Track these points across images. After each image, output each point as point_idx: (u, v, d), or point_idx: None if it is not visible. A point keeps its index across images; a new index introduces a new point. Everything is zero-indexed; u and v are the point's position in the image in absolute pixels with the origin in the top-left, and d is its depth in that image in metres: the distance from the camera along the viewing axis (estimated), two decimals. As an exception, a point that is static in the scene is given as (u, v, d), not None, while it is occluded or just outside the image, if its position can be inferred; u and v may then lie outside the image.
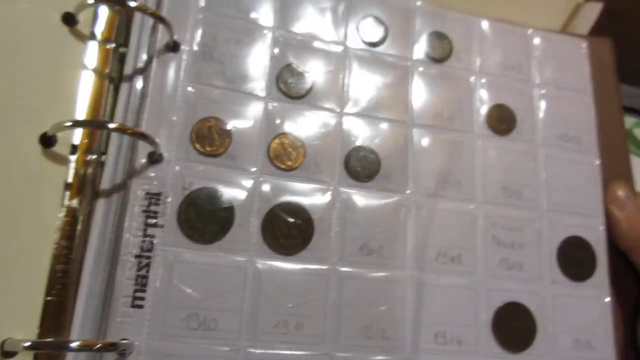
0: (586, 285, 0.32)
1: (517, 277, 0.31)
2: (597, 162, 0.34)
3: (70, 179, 0.24)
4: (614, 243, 0.33)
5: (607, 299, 0.31)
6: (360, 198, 0.29)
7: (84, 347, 0.22)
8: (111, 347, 0.22)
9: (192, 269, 0.25)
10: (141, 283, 0.24)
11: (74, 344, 0.22)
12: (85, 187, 0.25)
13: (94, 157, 0.25)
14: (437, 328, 0.28)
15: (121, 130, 0.25)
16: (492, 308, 0.30)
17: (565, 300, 0.31)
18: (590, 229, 0.33)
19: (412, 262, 0.29)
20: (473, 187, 0.31)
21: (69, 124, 0.24)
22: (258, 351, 0.25)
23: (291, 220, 0.27)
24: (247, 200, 0.27)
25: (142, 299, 0.24)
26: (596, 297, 0.32)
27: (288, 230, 0.27)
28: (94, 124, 0.25)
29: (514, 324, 0.30)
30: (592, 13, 0.63)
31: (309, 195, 0.28)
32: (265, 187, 0.27)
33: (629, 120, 0.56)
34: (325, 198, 0.28)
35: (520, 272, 0.31)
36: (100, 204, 0.25)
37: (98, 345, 0.22)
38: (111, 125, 0.24)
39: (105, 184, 0.25)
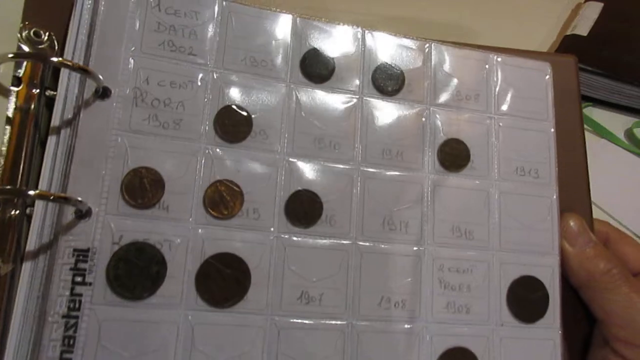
0: (537, 326, 0.31)
1: (464, 320, 0.30)
2: (555, 196, 0.33)
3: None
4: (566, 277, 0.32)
5: (558, 340, 0.31)
6: (301, 244, 0.28)
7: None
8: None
9: (122, 328, 0.25)
10: (68, 344, 0.24)
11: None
12: (9, 244, 0.24)
13: (17, 212, 0.25)
14: (377, 376, 0.28)
15: (44, 197, 0.24)
16: (436, 353, 0.29)
17: (513, 342, 0.31)
18: (545, 267, 0.32)
19: (354, 311, 0.28)
20: (420, 229, 0.30)
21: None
22: (191, 408, 0.25)
23: (227, 271, 0.27)
24: (181, 252, 0.26)
25: (69, 359, 0.24)
26: (546, 338, 0.31)
27: (223, 282, 0.27)
28: (13, 191, 0.24)
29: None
30: (592, 13, 0.62)
31: (246, 243, 0.28)
32: (200, 238, 0.27)
33: (629, 120, 0.55)
34: (264, 246, 0.28)
35: (467, 315, 0.30)
36: (27, 264, 0.24)
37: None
38: (31, 192, 0.23)
39: (31, 241, 0.25)
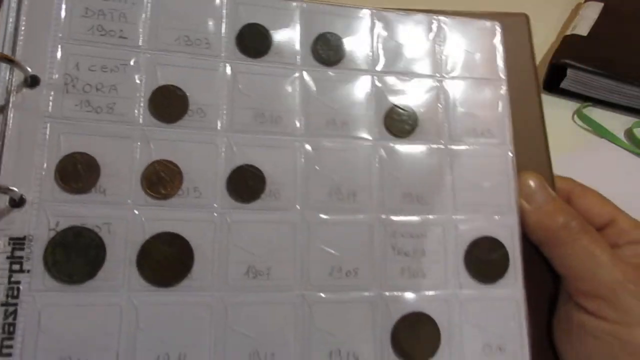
0: (498, 286, 0.30)
1: (421, 285, 0.30)
2: (510, 154, 0.32)
3: None
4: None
5: (522, 299, 0.30)
6: (245, 220, 0.28)
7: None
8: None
9: (63, 313, 0.25)
10: (8, 331, 0.24)
11: None
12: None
13: (-45, 206, 0.25)
14: (330, 347, 0.28)
15: None
16: (393, 320, 0.29)
17: (474, 304, 0.30)
18: (504, 227, 0.31)
19: (304, 282, 0.28)
20: (370, 197, 0.30)
21: None
22: (137, 389, 0.25)
23: (169, 250, 0.27)
24: (120, 234, 0.26)
25: (10, 347, 0.24)
26: (509, 297, 0.30)
27: (166, 261, 0.27)
28: None
29: (416, 335, 0.29)
30: (592, 13, 0.61)
31: (188, 222, 0.27)
32: (140, 219, 0.27)
33: (629, 120, 0.55)
34: (206, 223, 0.27)
35: (424, 280, 0.30)
36: (-39, 255, 0.24)
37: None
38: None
39: None
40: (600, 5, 0.63)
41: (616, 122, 0.56)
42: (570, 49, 0.57)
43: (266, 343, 0.27)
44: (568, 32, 0.61)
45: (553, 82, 0.58)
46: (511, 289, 0.30)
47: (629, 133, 0.55)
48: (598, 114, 0.56)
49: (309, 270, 0.28)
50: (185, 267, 0.27)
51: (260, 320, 0.27)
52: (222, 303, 0.27)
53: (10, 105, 0.26)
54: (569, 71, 0.56)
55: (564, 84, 0.57)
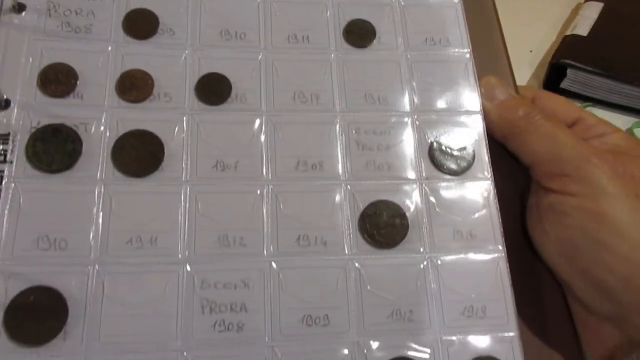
0: (465, 178, 0.31)
1: (386, 176, 0.30)
2: (468, 57, 0.34)
3: None
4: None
5: (491, 190, 0.31)
6: (214, 120, 0.30)
7: None
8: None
9: (42, 198, 0.27)
10: (-9, 214, 0.26)
11: None
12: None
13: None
14: (298, 232, 0.29)
15: None
16: (359, 209, 0.29)
17: (441, 194, 0.30)
18: (468, 125, 0.32)
19: (271, 175, 0.29)
20: (332, 99, 0.32)
21: None
22: (109, 267, 0.26)
23: (141, 145, 0.29)
24: (96, 132, 0.29)
25: (-9, 227, 0.26)
26: (478, 188, 0.31)
27: (138, 155, 0.28)
28: None
29: (383, 225, 0.29)
30: (592, 13, 0.63)
31: (159, 122, 0.29)
32: (115, 119, 0.29)
33: (629, 120, 0.56)
34: (176, 123, 0.30)
35: (388, 172, 0.31)
36: (-48, 148, 0.27)
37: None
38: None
39: None
40: (600, 5, 0.64)
41: (616, 122, 0.55)
42: (570, 49, 0.58)
43: (235, 228, 0.28)
44: (568, 32, 0.62)
45: (553, 82, 0.59)
46: (480, 181, 0.31)
47: (629, 133, 0.55)
48: (598, 114, 0.56)
49: (275, 164, 0.30)
50: (156, 160, 0.29)
51: (229, 208, 0.28)
52: (192, 192, 0.28)
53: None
54: (569, 71, 0.57)
55: (564, 84, 0.58)
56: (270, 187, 0.29)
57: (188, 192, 0.28)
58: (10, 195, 0.27)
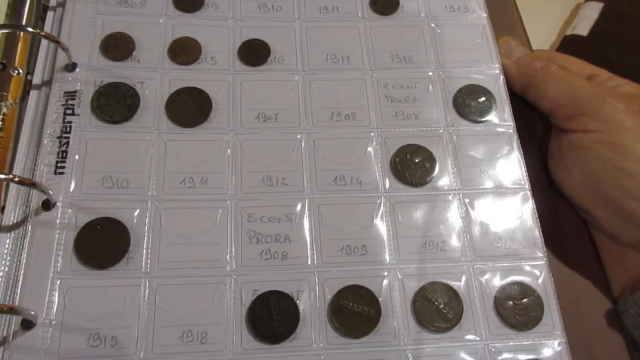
0: (486, 124, 0.33)
1: (413, 124, 0.33)
2: (485, 22, 0.36)
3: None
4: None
5: (513, 133, 0.33)
6: (255, 78, 0.33)
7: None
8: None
9: (105, 144, 0.30)
10: (62, 157, 0.29)
11: None
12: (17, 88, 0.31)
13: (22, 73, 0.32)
14: (335, 173, 0.31)
15: (37, 34, 0.31)
16: (390, 152, 0.32)
17: (465, 139, 0.33)
18: (488, 76, 0.35)
19: (308, 124, 0.32)
20: (361, 59, 0.34)
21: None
22: (165, 204, 0.29)
23: (191, 100, 0.32)
24: (152, 89, 0.32)
25: (63, 167, 0.29)
26: (499, 132, 0.33)
27: (188, 107, 0.32)
28: (14, 27, 0.32)
29: (413, 162, 0.32)
30: (592, 13, 0.66)
31: (207, 81, 0.33)
32: (167, 78, 0.32)
33: None
34: (222, 82, 0.33)
35: (416, 121, 0.33)
36: (31, 102, 0.31)
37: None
38: (29, 29, 0.30)
39: (36, 79, 0.31)
40: (600, 5, 0.66)
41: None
42: (570, 49, 0.60)
43: (277, 170, 0.31)
44: (568, 32, 0.63)
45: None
46: (501, 127, 0.33)
47: None
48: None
49: (312, 115, 0.32)
50: (205, 112, 0.32)
51: (271, 153, 0.31)
52: (237, 139, 0.31)
53: (67, 3, 0.33)
54: (570, 71, 0.59)
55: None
56: (308, 134, 0.32)
57: (234, 139, 0.31)
58: (78, 143, 0.30)
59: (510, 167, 0.32)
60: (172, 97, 0.32)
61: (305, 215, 0.30)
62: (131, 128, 0.31)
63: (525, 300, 0.29)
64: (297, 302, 0.28)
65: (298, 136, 0.32)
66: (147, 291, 0.27)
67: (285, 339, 0.27)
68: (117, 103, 0.31)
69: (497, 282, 0.29)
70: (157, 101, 0.32)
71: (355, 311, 0.28)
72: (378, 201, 0.30)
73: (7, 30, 0.32)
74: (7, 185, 0.28)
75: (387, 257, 0.29)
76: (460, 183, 0.31)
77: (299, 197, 0.30)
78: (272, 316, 0.27)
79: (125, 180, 0.29)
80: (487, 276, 0.29)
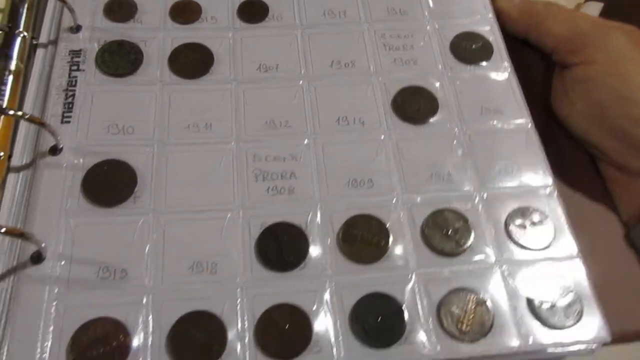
0: (485, 67, 0.34)
1: (412, 68, 0.33)
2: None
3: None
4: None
5: (512, 77, 0.33)
6: (255, 34, 0.34)
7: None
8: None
9: (110, 96, 0.31)
10: (68, 108, 0.30)
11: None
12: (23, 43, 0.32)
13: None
14: (337, 114, 0.31)
15: None
16: (390, 94, 0.32)
17: (466, 81, 0.33)
18: (483, 24, 0.35)
19: (309, 72, 0.33)
20: (357, 13, 0.35)
21: None
22: (171, 147, 0.29)
23: (193, 54, 0.33)
24: (154, 46, 0.33)
25: (69, 117, 0.30)
26: (498, 78, 0.33)
27: (190, 61, 0.32)
28: None
29: (415, 102, 0.32)
30: (592, 12, 0.69)
31: (208, 38, 0.33)
32: (170, 36, 0.33)
33: None
34: (222, 38, 0.34)
35: (415, 66, 0.34)
36: (38, 60, 0.32)
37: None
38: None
39: (43, 38, 0.32)
40: (600, 5, 0.68)
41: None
42: None
43: (280, 114, 0.31)
44: None
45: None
46: (499, 71, 0.34)
47: None
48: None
49: (312, 64, 0.33)
50: (206, 65, 0.32)
51: (273, 99, 0.32)
52: (239, 89, 0.32)
53: (70, -28, 0.35)
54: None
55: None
56: (309, 82, 0.32)
57: (236, 89, 0.32)
58: (83, 95, 0.30)
59: (510, 100, 0.32)
60: (175, 52, 0.33)
61: (310, 154, 0.30)
62: (135, 80, 0.31)
63: (536, 222, 0.29)
64: (306, 232, 0.27)
65: (300, 82, 0.32)
66: (155, 226, 0.27)
67: (296, 267, 0.27)
68: (121, 58, 0.32)
69: (507, 207, 0.29)
70: (160, 57, 0.32)
71: (364, 239, 0.27)
72: (382, 137, 0.31)
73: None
74: (17, 127, 0.28)
75: (394, 188, 0.29)
76: (462, 119, 0.32)
77: (304, 137, 0.30)
78: (281, 245, 0.27)
79: (130, 127, 0.30)
80: (495, 203, 0.29)
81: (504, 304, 0.26)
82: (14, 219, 0.26)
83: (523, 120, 0.32)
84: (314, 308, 0.26)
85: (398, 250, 0.27)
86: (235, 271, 0.26)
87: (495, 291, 0.27)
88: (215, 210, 0.28)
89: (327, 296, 0.26)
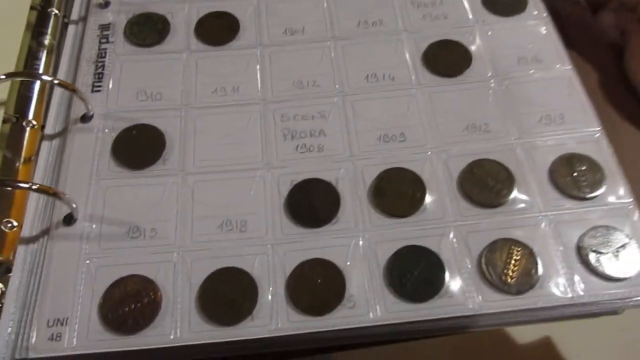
0: (519, 18, 0.32)
1: (443, 24, 0.32)
2: None
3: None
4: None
5: (544, 24, 0.32)
6: (279, 0, 0.34)
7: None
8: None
9: (138, 65, 0.31)
10: (98, 78, 0.30)
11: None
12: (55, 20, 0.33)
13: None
14: (366, 72, 0.30)
15: None
16: (421, 49, 0.31)
17: (500, 32, 0.32)
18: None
19: (335, 32, 0.32)
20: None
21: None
22: (198, 110, 0.29)
23: (219, 21, 0.32)
24: (180, 17, 0.33)
25: (99, 86, 0.30)
26: (533, 24, 0.32)
27: (216, 28, 0.32)
28: None
29: (446, 55, 0.31)
30: None
31: (232, 7, 0.33)
32: (195, 7, 0.33)
33: None
34: (249, 6, 0.33)
35: (445, 20, 0.32)
36: (69, 33, 0.32)
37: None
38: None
39: (74, 15, 0.33)
40: None
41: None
42: None
43: (307, 74, 0.30)
44: None
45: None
46: (537, 19, 0.32)
47: None
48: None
49: (339, 24, 0.32)
50: (233, 31, 0.32)
51: (300, 61, 0.31)
52: (266, 53, 0.31)
53: (99, -49, 0.35)
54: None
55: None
56: (336, 41, 0.32)
57: (262, 52, 0.31)
58: (112, 65, 0.31)
59: (549, 47, 0.31)
60: (201, 20, 0.33)
61: (339, 112, 0.29)
62: (163, 49, 0.32)
63: (583, 170, 0.27)
64: (337, 187, 0.27)
65: (327, 43, 0.32)
66: (184, 187, 0.27)
67: (327, 223, 0.26)
68: (148, 29, 0.32)
69: (550, 156, 0.27)
70: (186, 26, 0.32)
71: (398, 192, 0.26)
72: (413, 92, 0.30)
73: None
74: (50, 95, 0.29)
75: (427, 140, 0.28)
76: (497, 70, 0.30)
77: (332, 96, 0.30)
78: (312, 202, 0.26)
79: (159, 94, 0.30)
80: (538, 151, 0.27)
81: (551, 254, 0.25)
82: (47, 182, 0.27)
83: (564, 67, 0.30)
84: (348, 263, 0.25)
85: (434, 202, 0.26)
86: (265, 228, 0.26)
87: (541, 241, 0.25)
88: (244, 170, 0.27)
89: (360, 251, 0.25)
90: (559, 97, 0.29)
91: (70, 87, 0.28)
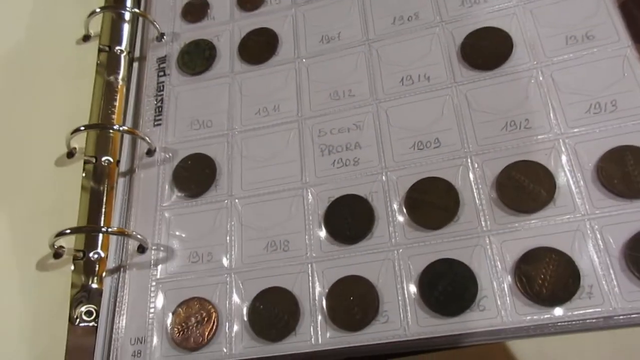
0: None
1: (482, 9, 0.30)
2: None
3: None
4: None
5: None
6: (315, 7, 0.34)
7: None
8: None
9: (190, 94, 0.34)
10: (158, 111, 0.34)
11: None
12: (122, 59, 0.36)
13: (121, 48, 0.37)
14: (402, 74, 0.30)
15: (134, 13, 0.36)
16: (458, 42, 0.30)
17: (544, 10, 0.29)
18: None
19: (370, 34, 0.32)
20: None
21: None
22: (243, 134, 0.31)
23: (260, 38, 0.34)
24: (225, 39, 0.35)
25: (160, 119, 0.33)
26: (590, -6, 0.29)
27: (258, 45, 0.34)
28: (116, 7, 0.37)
29: (486, 48, 0.29)
30: None
31: (272, 21, 0.34)
32: (237, 27, 0.35)
33: None
34: (287, 17, 0.34)
35: (485, 4, 0.30)
36: (135, 68, 0.36)
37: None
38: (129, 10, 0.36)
39: (136, 51, 0.37)
40: None
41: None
42: None
43: (343, 84, 0.31)
44: None
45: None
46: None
47: None
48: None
49: (373, 24, 0.32)
50: (272, 48, 0.33)
51: (336, 69, 0.32)
52: (304, 66, 0.32)
53: (152, -16, 0.38)
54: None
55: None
56: (370, 44, 0.31)
57: (299, 66, 0.32)
58: (169, 97, 0.34)
59: (604, 21, 0.28)
60: (243, 40, 0.34)
61: (374, 121, 0.29)
62: (210, 76, 0.34)
63: (634, 164, 0.24)
64: (371, 202, 0.27)
65: (360, 48, 0.32)
66: (233, 210, 0.29)
67: (362, 239, 0.27)
68: (198, 57, 0.34)
69: (598, 151, 0.25)
70: (231, 48, 0.34)
71: (431, 203, 0.26)
72: (449, 92, 0.29)
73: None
74: (121, 142, 0.33)
75: (461, 145, 0.27)
76: (542, 54, 0.28)
77: (367, 104, 0.30)
78: (347, 218, 0.27)
79: (209, 121, 0.32)
80: (584, 147, 0.25)
81: (594, 262, 0.23)
82: (122, 217, 0.31)
83: (621, 44, 0.27)
84: (381, 279, 0.26)
85: (468, 212, 0.26)
86: (305, 247, 0.27)
87: (582, 249, 0.24)
88: (284, 190, 0.29)
89: (393, 266, 0.26)
90: (614, 81, 0.26)
91: (135, 134, 0.31)
